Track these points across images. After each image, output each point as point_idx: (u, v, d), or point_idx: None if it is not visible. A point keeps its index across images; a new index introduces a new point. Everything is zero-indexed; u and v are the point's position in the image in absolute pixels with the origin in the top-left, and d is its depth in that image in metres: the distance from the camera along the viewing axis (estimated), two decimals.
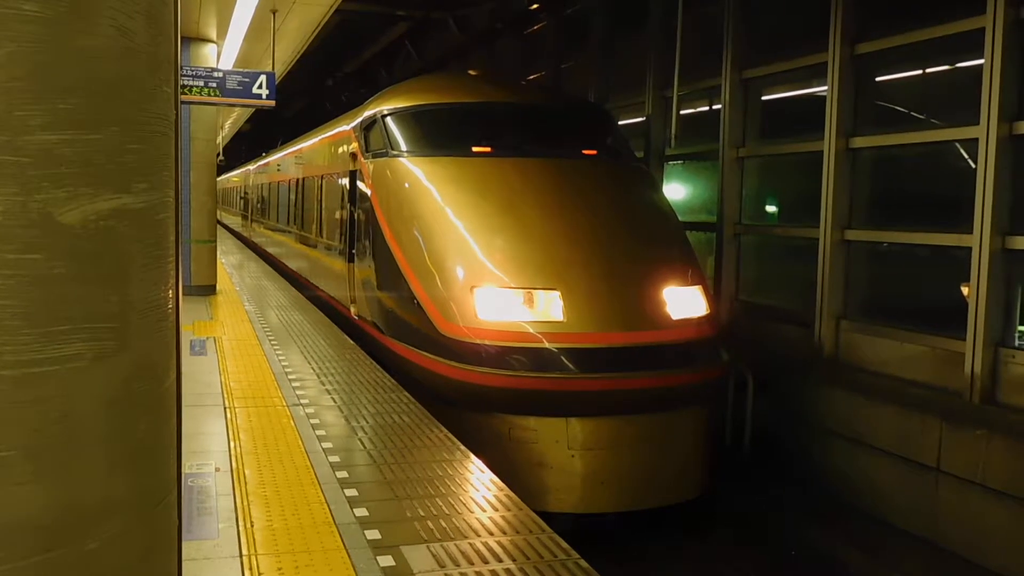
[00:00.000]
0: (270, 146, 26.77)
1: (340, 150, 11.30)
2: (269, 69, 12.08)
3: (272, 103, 11.85)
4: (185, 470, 4.92)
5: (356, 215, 9.91)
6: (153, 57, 1.46)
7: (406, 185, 8.33)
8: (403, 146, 8.73)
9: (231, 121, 28.27)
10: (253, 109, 18.64)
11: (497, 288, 7.12)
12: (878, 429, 7.34)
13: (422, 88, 9.76)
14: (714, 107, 10.51)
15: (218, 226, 16.76)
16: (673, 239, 8.27)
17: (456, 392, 7.06)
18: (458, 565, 3.82)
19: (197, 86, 11.33)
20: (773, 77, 9.69)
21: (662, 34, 11.08)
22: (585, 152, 8.97)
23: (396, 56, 22.03)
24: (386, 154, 8.79)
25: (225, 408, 6.45)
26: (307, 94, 28.95)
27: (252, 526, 4.19)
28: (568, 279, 7.13)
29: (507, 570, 3.78)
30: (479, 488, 4.82)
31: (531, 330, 6.88)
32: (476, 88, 9.74)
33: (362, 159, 9.55)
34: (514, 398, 6.78)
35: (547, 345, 6.80)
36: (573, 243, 7.46)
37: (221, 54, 13.84)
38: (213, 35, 12.67)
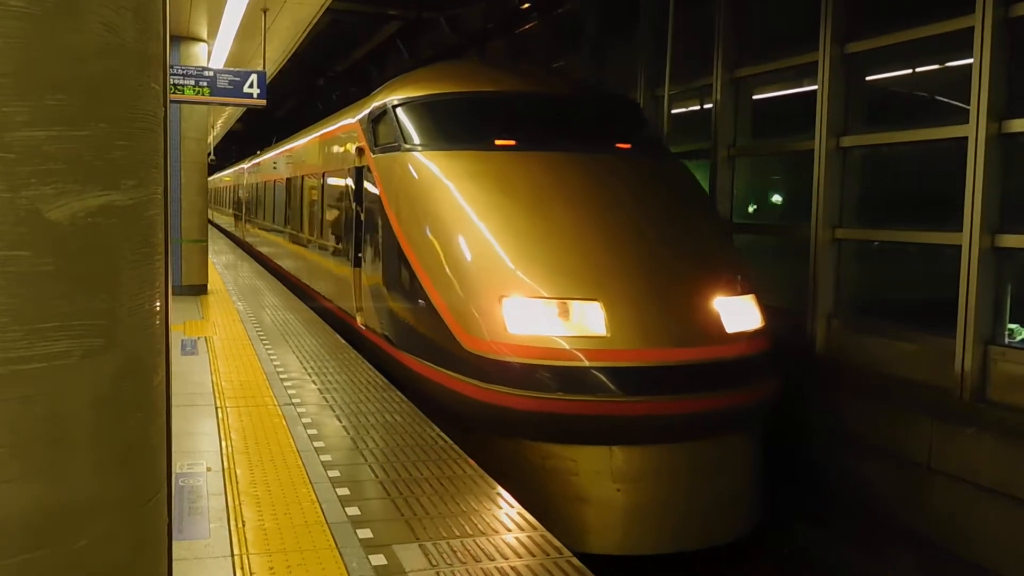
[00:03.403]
0: (261, 146, 26.68)
1: (344, 145, 10.55)
2: (260, 68, 12.05)
3: (263, 102, 11.81)
4: (176, 470, 4.91)
5: (362, 215, 9.21)
6: (141, 54, 1.46)
7: (421, 182, 7.57)
8: (417, 139, 7.97)
9: (222, 121, 28.24)
10: (244, 108, 18.62)
11: (529, 298, 6.37)
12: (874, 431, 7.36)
13: (436, 76, 8.94)
14: (705, 106, 10.52)
15: (210, 227, 16.69)
16: (720, 242, 7.51)
17: (481, 415, 6.32)
18: (450, 564, 3.82)
19: (188, 85, 11.29)
20: (764, 76, 9.71)
21: (653, 34, 11.10)
22: (619, 146, 8.20)
23: (388, 56, 22.02)
24: (398, 148, 8.04)
25: (216, 408, 6.43)
26: (298, 94, 28.91)
27: (243, 526, 4.18)
28: (609, 288, 6.38)
29: (499, 568, 3.78)
30: (471, 487, 4.82)
31: (568, 346, 6.14)
32: (495, 76, 8.87)
33: (369, 154, 8.77)
34: (549, 423, 6.02)
35: (587, 363, 6.07)
36: (612, 247, 6.72)
37: (212, 53, 13.80)
38: (204, 34, 12.64)
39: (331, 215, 11.44)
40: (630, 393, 5.99)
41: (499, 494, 4.71)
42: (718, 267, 7.04)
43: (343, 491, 4.69)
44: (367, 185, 8.90)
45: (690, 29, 10.17)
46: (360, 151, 9.24)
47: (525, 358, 6.15)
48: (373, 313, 8.64)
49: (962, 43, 6.89)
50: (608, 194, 7.35)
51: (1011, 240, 6.56)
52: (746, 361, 6.50)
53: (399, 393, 7.02)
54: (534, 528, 4.24)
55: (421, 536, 4.11)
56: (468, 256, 6.80)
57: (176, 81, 11.15)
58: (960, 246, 6.80)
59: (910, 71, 8.34)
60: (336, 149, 11.27)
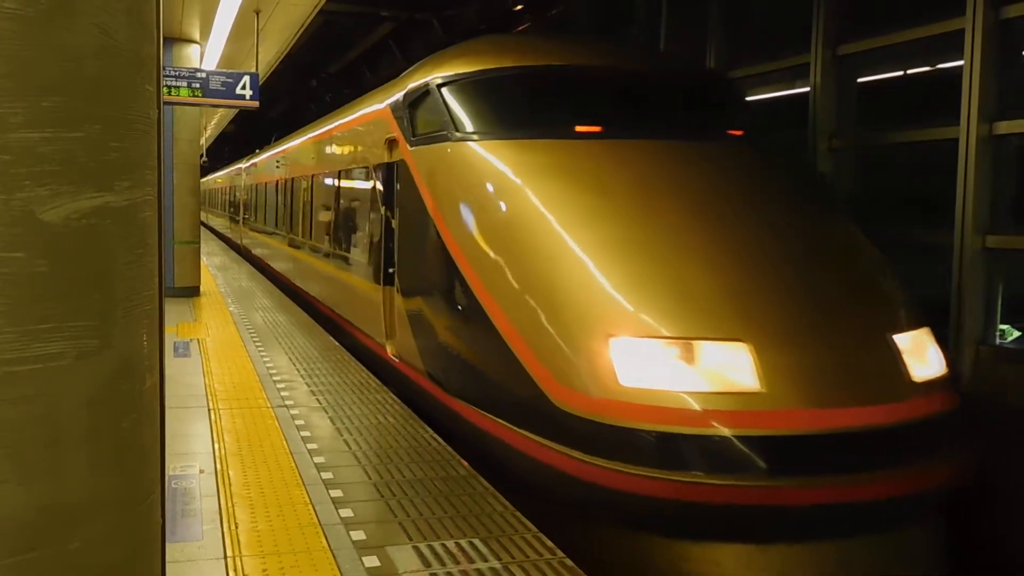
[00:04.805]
0: (253, 148, 26.60)
1: (368, 137, 8.85)
2: (253, 70, 12.04)
3: (256, 104, 11.80)
4: (169, 472, 4.90)
5: (393, 222, 7.61)
6: (135, 56, 1.46)
7: (483, 179, 5.92)
8: (472, 125, 6.33)
9: (214, 122, 28.18)
10: (236, 110, 18.58)
11: (647, 339, 4.68)
12: None
13: (489, 49, 7.17)
14: None
15: (208, 231, 16.47)
16: (874, 255, 5.67)
17: (582, 498, 4.67)
18: (443, 565, 3.82)
19: (180, 86, 11.28)
20: (757, 77, 9.73)
21: (646, 35, 11.12)
22: (731, 133, 6.63)
23: (381, 57, 22.01)
24: (446, 137, 6.37)
25: (209, 410, 6.42)
26: (291, 95, 28.88)
27: (237, 527, 4.17)
28: (757, 323, 4.71)
29: (492, 569, 3.78)
30: (464, 488, 4.82)
31: (707, 406, 4.42)
32: (563, 49, 7.02)
33: (405, 146, 7.14)
34: (684, 515, 4.36)
35: (735, 431, 4.35)
36: (751, 266, 5.06)
37: (204, 55, 13.78)
38: (196, 35, 12.62)
39: (349, 221, 9.90)
40: (798, 473, 4.34)
41: (493, 495, 4.72)
42: (882, 289, 5.39)
43: (336, 493, 4.68)
44: (401, 185, 7.32)
45: (686, 29, 10.18)
46: (391, 143, 7.72)
47: (645, 423, 4.46)
48: (411, 344, 6.92)
49: None
50: (732, 194, 5.69)
51: (1002, 241, 6.59)
52: (939, 420, 4.77)
53: (392, 394, 7.01)
54: (527, 529, 4.24)
55: (415, 538, 4.11)
56: (558, 278, 5.08)
57: (169, 83, 11.14)
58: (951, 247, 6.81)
59: None
60: (356, 143, 9.72)
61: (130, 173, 1.44)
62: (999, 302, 6.79)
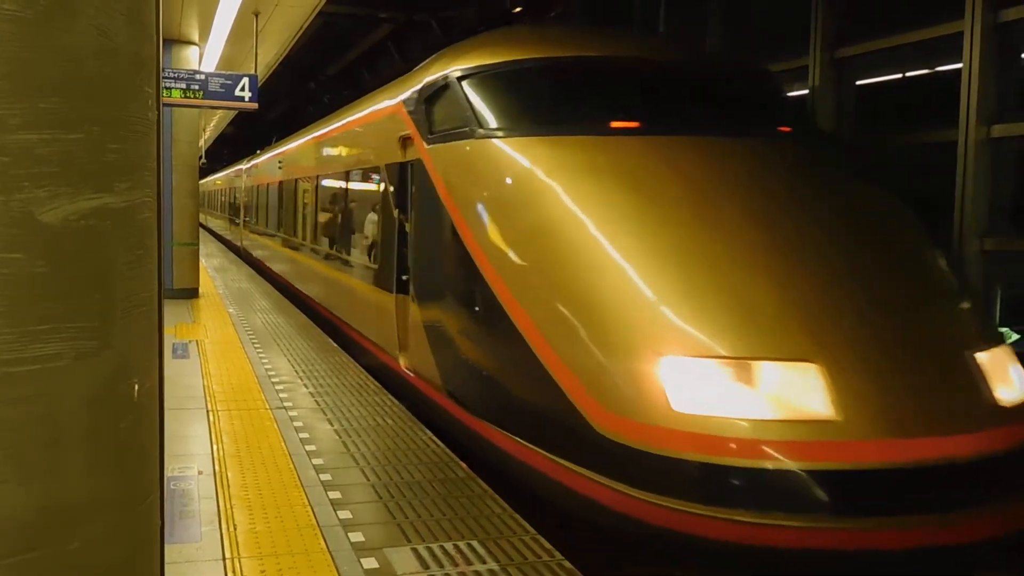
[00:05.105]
0: (252, 149, 26.57)
1: (379, 136, 8.33)
2: (252, 71, 12.05)
3: (255, 105, 11.82)
4: (168, 473, 4.90)
5: (407, 225, 7.15)
6: (134, 57, 1.46)
7: (509, 180, 5.44)
8: (497, 121, 5.82)
9: (213, 124, 28.19)
10: (235, 112, 18.59)
11: (703, 359, 4.17)
12: None
13: (511, 40, 6.68)
14: None
15: (207, 233, 16.38)
16: (943, 264, 5.17)
17: (630, 534, 4.30)
18: (442, 566, 3.82)
19: (179, 88, 11.29)
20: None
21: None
22: (781, 129, 6.12)
23: (379, 58, 22.02)
24: (468, 134, 5.87)
25: (208, 411, 6.42)
26: (290, 97, 28.89)
27: (235, 529, 4.17)
28: (827, 341, 4.19)
29: (491, 571, 3.78)
30: (462, 490, 4.82)
31: (774, 436, 3.90)
32: (590, 39, 6.59)
33: (421, 144, 6.62)
34: (745, 560, 3.94)
35: (807, 464, 3.84)
36: (817, 278, 4.54)
37: (203, 56, 13.79)
38: (195, 37, 12.62)
39: (357, 224, 9.39)
40: (879, 512, 3.81)
41: (491, 497, 4.72)
42: (957, 301, 4.92)
43: (335, 494, 4.68)
44: (416, 186, 6.82)
45: (685, 30, 10.18)
46: (405, 141, 7.19)
47: (701, 454, 3.96)
48: (428, 357, 6.39)
49: None
50: (789, 196, 5.17)
51: (999, 244, 6.59)
52: None
53: (390, 396, 7.01)
54: (526, 531, 4.24)
55: (413, 539, 4.11)
56: (600, 290, 4.58)
57: (168, 84, 11.14)
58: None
59: None
60: (367, 141, 9.21)
61: (129, 174, 1.44)
62: (998, 305, 6.80)
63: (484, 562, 3.88)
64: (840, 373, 4.05)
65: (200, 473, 5.00)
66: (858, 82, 8.41)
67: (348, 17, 18.14)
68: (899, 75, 8.33)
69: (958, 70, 6.85)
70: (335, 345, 9.34)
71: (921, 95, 8.15)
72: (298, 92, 27.48)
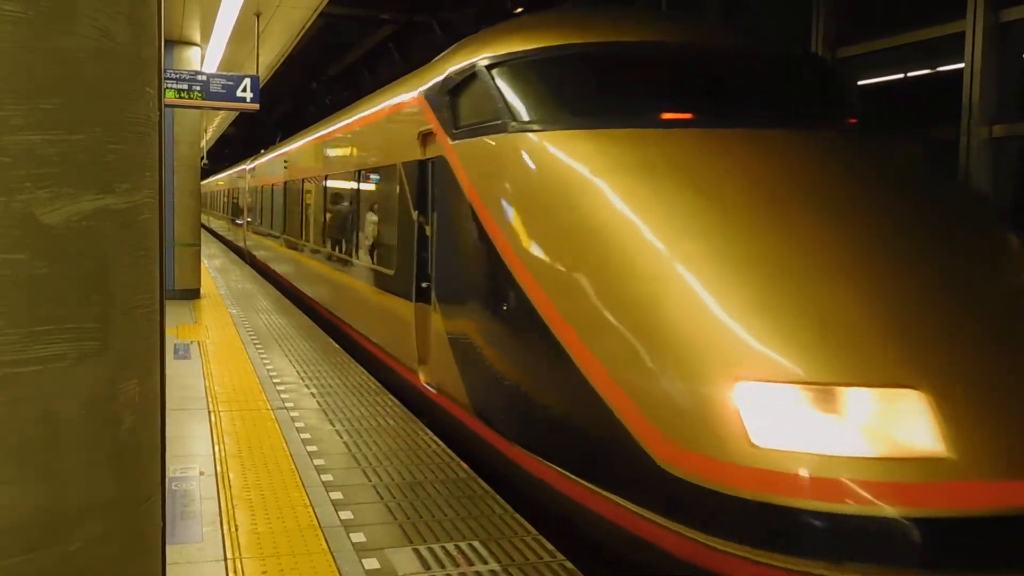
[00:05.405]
0: (254, 150, 26.56)
1: (396, 131, 7.76)
2: (253, 72, 12.06)
3: (256, 106, 11.83)
4: (169, 474, 4.90)
5: (427, 228, 6.58)
6: (136, 59, 1.46)
7: (550, 179, 4.84)
8: (532, 113, 5.25)
9: (215, 125, 28.21)
10: (237, 112, 18.60)
11: (788, 385, 3.58)
12: None
13: (545, 25, 6.00)
14: None
15: (209, 234, 16.32)
16: None
17: None
18: (443, 567, 3.82)
19: (181, 89, 11.30)
20: None
21: None
22: (848, 121, 5.57)
23: (380, 59, 22.03)
24: (501, 128, 5.29)
25: (209, 412, 6.43)
26: (292, 97, 28.91)
27: (236, 529, 4.17)
28: (931, 364, 3.62)
29: (492, 571, 3.78)
30: (464, 490, 4.82)
31: (875, 476, 3.35)
32: (631, 24, 5.92)
33: (445, 140, 6.07)
34: None
35: (915, 510, 3.29)
36: (913, 290, 3.96)
37: (205, 57, 13.81)
38: (197, 38, 12.64)
39: (373, 227, 8.72)
40: (1005, 567, 3.27)
41: (493, 497, 4.72)
42: None
43: (336, 495, 4.69)
44: (438, 185, 6.26)
45: None
46: (425, 137, 6.68)
47: (790, 497, 3.38)
48: (453, 374, 5.83)
49: None
50: (871, 197, 4.55)
51: None
52: None
53: (392, 396, 7.01)
54: (527, 531, 4.24)
55: (415, 540, 4.11)
56: (663, 304, 3.98)
57: (169, 85, 11.16)
58: None
59: None
60: (380, 138, 8.57)
61: (130, 175, 1.44)
62: None
63: (486, 563, 3.88)
64: (947, 401, 3.46)
65: (201, 474, 5.00)
66: (859, 82, 8.41)
67: (349, 18, 18.16)
68: (900, 75, 8.34)
69: (959, 70, 6.85)
70: (336, 346, 9.34)
71: (921, 95, 8.15)
72: (299, 93, 27.51)
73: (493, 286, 5.21)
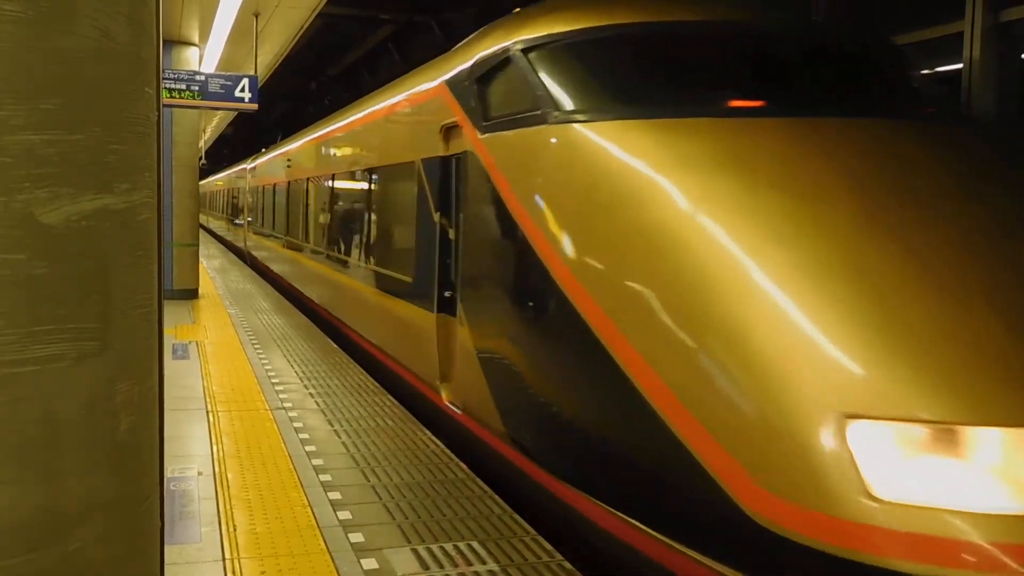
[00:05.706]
0: (252, 150, 26.52)
1: (413, 126, 7.16)
2: (252, 72, 12.06)
3: (254, 106, 11.83)
4: (167, 474, 4.90)
5: (451, 232, 6.02)
6: (135, 59, 1.46)
7: (605, 176, 4.18)
8: (578, 102, 4.65)
9: (213, 125, 28.21)
10: (235, 113, 18.59)
11: (912, 424, 2.99)
12: None
13: (586, 4, 5.26)
14: None
15: (207, 234, 16.32)
16: None
17: None
18: (442, 567, 3.82)
19: (179, 89, 11.30)
20: None
21: None
22: (926, 109, 4.98)
23: (379, 60, 22.03)
24: (541, 119, 4.68)
25: (208, 412, 6.42)
26: (290, 98, 28.91)
27: (235, 530, 4.17)
28: None
29: (491, 571, 3.79)
30: (462, 490, 4.82)
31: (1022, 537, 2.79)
32: (687, 2, 5.28)
33: (473, 133, 5.50)
34: None
35: None
36: None
37: (203, 57, 13.81)
38: (195, 38, 12.64)
39: (388, 230, 8.15)
40: None
41: (491, 498, 4.72)
42: None
43: (335, 495, 4.69)
44: (465, 184, 5.66)
45: None
46: (449, 131, 6.10)
47: (921, 563, 2.81)
48: (483, 394, 5.24)
49: None
50: (980, 197, 3.95)
51: None
52: None
53: (390, 397, 7.01)
54: (526, 532, 4.24)
55: (413, 540, 4.11)
56: (750, 323, 3.36)
57: (168, 85, 11.16)
58: None
59: None
60: (396, 133, 7.94)
61: (129, 175, 1.44)
62: None
63: (484, 563, 3.88)
64: None
65: (200, 474, 5.00)
66: None
67: (348, 18, 18.16)
68: None
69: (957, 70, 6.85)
70: (335, 346, 9.34)
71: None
72: (298, 93, 27.51)
73: (535, 299, 4.61)
